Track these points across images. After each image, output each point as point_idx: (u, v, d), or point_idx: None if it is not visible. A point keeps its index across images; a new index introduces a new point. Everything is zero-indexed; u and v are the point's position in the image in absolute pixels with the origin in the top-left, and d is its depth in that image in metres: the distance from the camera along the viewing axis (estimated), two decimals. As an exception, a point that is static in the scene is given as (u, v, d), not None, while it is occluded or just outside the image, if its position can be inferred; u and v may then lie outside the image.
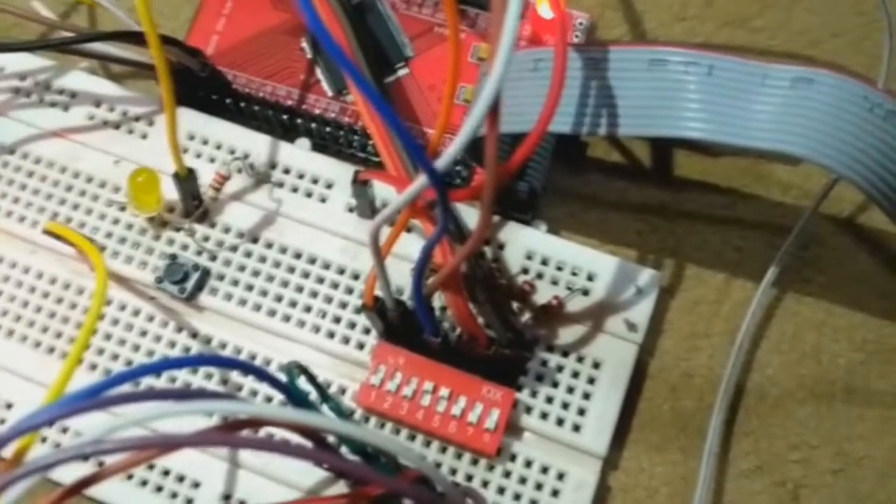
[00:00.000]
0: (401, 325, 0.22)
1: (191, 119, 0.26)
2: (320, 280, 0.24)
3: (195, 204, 0.24)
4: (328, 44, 0.15)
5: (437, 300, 0.23)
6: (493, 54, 0.15)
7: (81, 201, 0.25)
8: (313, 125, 0.26)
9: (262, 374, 0.18)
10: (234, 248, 0.24)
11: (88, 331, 0.16)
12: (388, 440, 0.14)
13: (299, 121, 0.26)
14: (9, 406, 0.23)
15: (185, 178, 0.23)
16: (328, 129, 0.26)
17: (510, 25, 0.15)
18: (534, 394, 0.23)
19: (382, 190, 0.24)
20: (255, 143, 0.25)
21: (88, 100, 0.26)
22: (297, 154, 0.25)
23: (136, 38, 0.23)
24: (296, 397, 0.18)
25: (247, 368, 0.20)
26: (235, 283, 0.24)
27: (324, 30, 0.15)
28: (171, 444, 0.15)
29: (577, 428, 0.23)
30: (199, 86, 0.26)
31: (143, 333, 0.24)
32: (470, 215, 0.24)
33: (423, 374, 0.22)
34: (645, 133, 0.19)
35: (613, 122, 0.19)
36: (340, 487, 0.22)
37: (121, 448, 0.14)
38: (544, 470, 0.22)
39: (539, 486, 0.22)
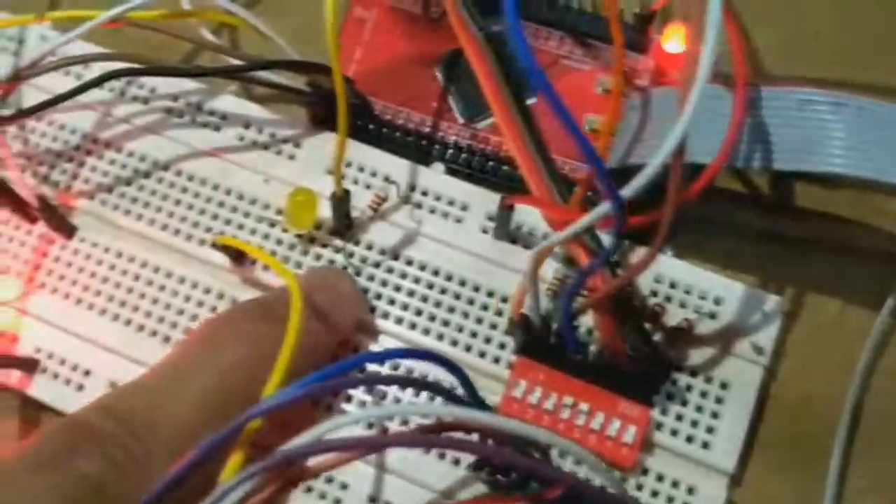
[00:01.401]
0: (542, 341, 0.23)
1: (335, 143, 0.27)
2: (457, 296, 0.26)
3: (346, 223, 0.26)
4: (535, 75, 0.16)
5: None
6: (687, 90, 0.16)
7: (233, 217, 0.27)
8: (447, 151, 0.28)
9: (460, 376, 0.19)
10: (377, 265, 0.26)
11: (290, 347, 0.17)
12: (575, 447, 0.16)
13: (434, 146, 0.28)
14: (166, 407, 0.25)
15: (342, 199, 0.24)
16: (462, 154, 0.28)
17: (706, 64, 0.16)
18: (664, 411, 0.24)
19: (518, 213, 0.26)
20: (395, 167, 0.27)
21: (238, 121, 0.28)
22: (434, 178, 0.27)
23: (298, 67, 0.24)
24: (479, 401, 0.19)
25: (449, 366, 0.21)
26: (378, 297, 0.26)
27: (535, 67, 0.16)
28: (378, 444, 0.16)
29: (706, 445, 0.24)
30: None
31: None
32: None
33: (562, 389, 0.23)
34: (794, 168, 0.20)
35: (767, 157, 0.20)
36: (479, 489, 0.23)
37: (337, 448, 0.16)
38: (675, 484, 0.24)
39: (670, 500, 0.23)
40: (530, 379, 0.24)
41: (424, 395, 0.24)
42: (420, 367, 0.25)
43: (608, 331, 0.21)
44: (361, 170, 0.27)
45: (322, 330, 0.22)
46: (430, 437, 0.17)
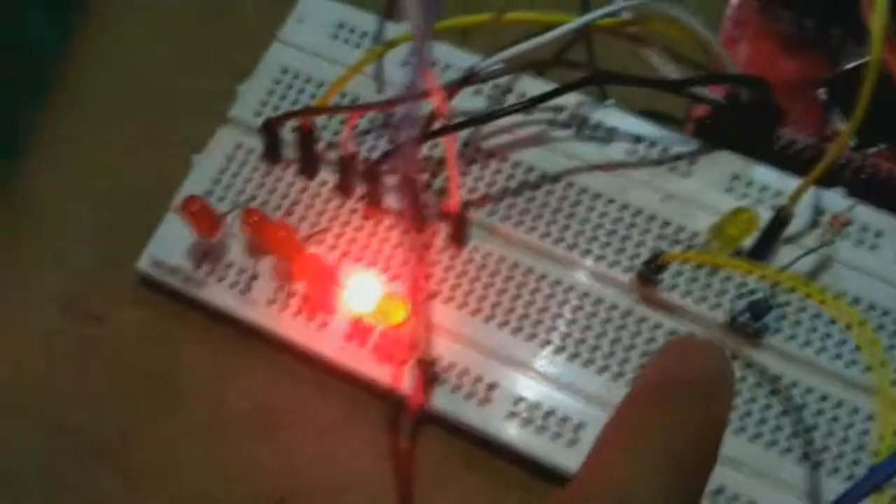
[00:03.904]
0: None
1: (732, 161, 0.27)
2: (880, 327, 0.25)
3: (769, 246, 0.25)
4: None
5: None
6: None
7: (631, 234, 0.26)
8: (840, 174, 0.27)
9: None
10: (791, 290, 0.25)
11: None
12: None
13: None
14: (579, 428, 0.24)
15: (785, 221, 0.23)
16: (862, 179, 0.27)
17: None
18: None
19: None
20: (794, 188, 0.26)
21: (626, 137, 0.27)
22: (839, 202, 0.26)
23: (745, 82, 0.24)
24: None
25: None
26: (798, 323, 0.25)
27: None
28: None
29: None
30: (746, 128, 0.27)
31: (710, 366, 0.25)
32: None
33: None
34: None
35: None
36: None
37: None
38: None
39: None
40: None
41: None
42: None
43: None
44: (762, 189, 0.26)
45: None
46: None
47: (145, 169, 0.29)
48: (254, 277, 0.26)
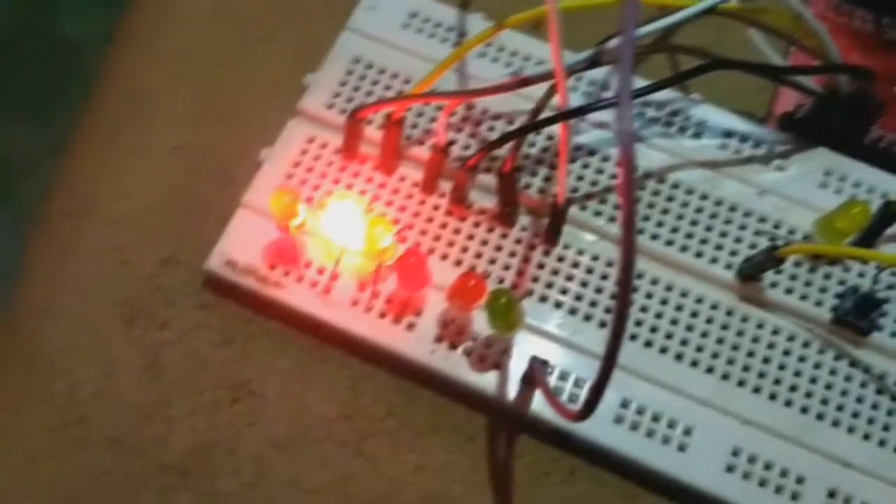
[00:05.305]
0: None
1: (824, 156, 0.26)
2: (985, 324, 0.24)
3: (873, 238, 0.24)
4: None
5: None
6: None
7: (728, 229, 0.25)
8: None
9: None
10: (892, 287, 0.25)
11: None
12: None
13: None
14: (687, 432, 0.23)
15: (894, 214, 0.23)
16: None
17: None
18: None
19: None
20: (889, 185, 0.26)
21: (717, 131, 0.26)
22: (930, 198, 0.26)
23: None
24: None
25: None
26: (899, 321, 0.24)
27: None
28: None
29: None
30: (843, 120, 0.26)
31: (818, 366, 0.24)
32: None
33: None
34: None
35: None
36: None
37: None
38: None
39: None
40: None
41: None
42: None
43: None
44: (856, 185, 0.26)
45: None
46: None
47: (208, 164, 0.27)
48: (335, 277, 0.25)
